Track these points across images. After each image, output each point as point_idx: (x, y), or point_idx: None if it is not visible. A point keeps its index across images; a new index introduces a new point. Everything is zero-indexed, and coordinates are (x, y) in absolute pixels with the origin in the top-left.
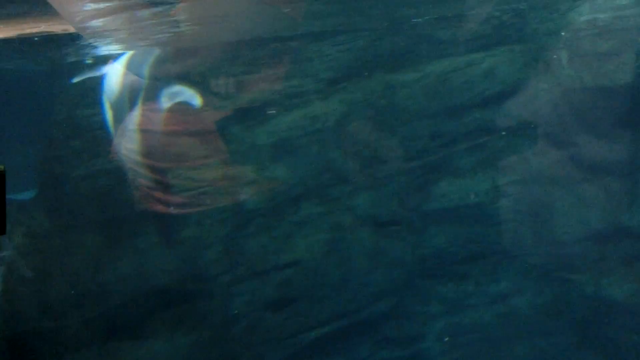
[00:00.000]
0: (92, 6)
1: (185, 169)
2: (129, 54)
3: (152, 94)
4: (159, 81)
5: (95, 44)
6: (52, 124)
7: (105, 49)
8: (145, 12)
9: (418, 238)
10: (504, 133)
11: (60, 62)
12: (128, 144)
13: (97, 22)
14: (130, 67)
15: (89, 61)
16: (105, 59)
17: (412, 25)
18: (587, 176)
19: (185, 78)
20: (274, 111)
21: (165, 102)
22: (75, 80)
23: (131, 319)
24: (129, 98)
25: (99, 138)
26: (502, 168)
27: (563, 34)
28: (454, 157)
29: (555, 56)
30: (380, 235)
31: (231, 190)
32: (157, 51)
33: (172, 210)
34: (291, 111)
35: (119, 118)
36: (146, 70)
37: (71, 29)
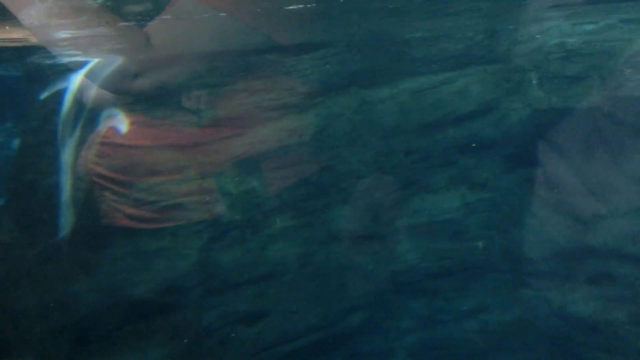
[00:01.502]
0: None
1: (161, 181)
2: (91, 63)
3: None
4: (122, 95)
5: (66, 52)
6: (25, 130)
7: (75, 58)
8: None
9: (391, 253)
10: (475, 150)
11: (34, 69)
12: (96, 156)
13: (70, 32)
14: (91, 78)
15: (57, 69)
16: (73, 68)
17: (388, 43)
18: (555, 195)
19: (159, 91)
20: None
21: (109, 121)
22: (45, 89)
23: (102, 330)
24: (76, 110)
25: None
26: (473, 185)
27: (533, 56)
28: (427, 174)
29: (525, 77)
30: (354, 250)
31: (207, 203)
32: (126, 63)
33: (146, 222)
34: (268, 124)
35: (66, 130)
36: (108, 82)
37: (42, 37)
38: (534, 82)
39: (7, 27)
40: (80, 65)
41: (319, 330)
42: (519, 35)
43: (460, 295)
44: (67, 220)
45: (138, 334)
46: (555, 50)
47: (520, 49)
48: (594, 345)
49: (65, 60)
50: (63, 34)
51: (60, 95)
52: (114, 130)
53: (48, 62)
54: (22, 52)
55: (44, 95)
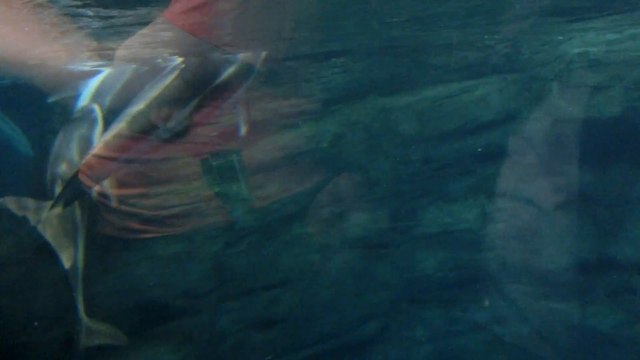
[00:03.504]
0: None
1: (180, 185)
2: (105, 72)
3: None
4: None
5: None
6: (46, 132)
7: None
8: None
9: (407, 262)
10: (494, 159)
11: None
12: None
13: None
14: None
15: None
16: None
17: (407, 50)
18: (575, 206)
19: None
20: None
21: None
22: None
23: None
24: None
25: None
26: (491, 195)
27: (555, 65)
28: (445, 183)
29: (546, 87)
30: (370, 258)
31: (224, 207)
32: (137, 70)
33: (162, 228)
34: (286, 130)
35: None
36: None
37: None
38: (555, 91)
39: None
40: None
41: (332, 338)
42: (541, 44)
43: (476, 306)
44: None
45: (153, 338)
46: (578, 60)
47: (541, 58)
48: None
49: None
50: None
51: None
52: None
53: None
54: None
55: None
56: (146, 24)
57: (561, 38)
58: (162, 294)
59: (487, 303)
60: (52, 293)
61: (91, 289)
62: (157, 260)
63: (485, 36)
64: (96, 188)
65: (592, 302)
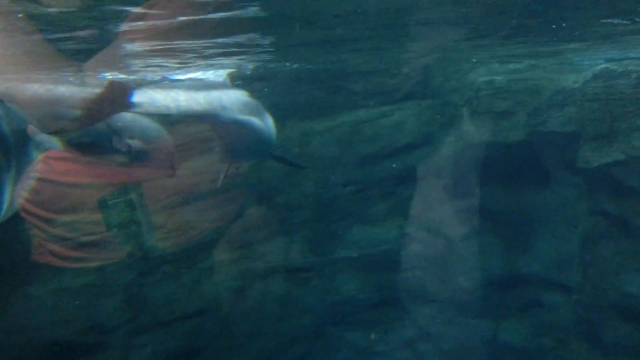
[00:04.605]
0: None
1: (88, 213)
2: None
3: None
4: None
5: None
6: None
7: None
8: None
9: (329, 285)
10: (411, 181)
11: None
12: (26, 190)
13: None
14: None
15: None
16: None
17: (327, 76)
18: (487, 225)
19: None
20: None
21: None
22: None
23: None
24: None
25: None
26: (409, 216)
27: (464, 92)
28: (364, 205)
29: (457, 112)
30: (291, 283)
31: (138, 235)
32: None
33: (70, 260)
34: (204, 155)
35: None
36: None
37: None
38: (466, 117)
39: None
40: None
41: None
42: (451, 72)
43: (398, 325)
44: None
45: None
46: (484, 87)
47: (452, 85)
48: None
49: None
50: None
51: None
52: (41, 164)
53: None
54: None
55: None
56: None
57: (475, 61)
58: (70, 330)
59: (407, 322)
60: None
61: None
62: (63, 293)
63: (400, 63)
64: (37, 212)
65: (504, 317)
